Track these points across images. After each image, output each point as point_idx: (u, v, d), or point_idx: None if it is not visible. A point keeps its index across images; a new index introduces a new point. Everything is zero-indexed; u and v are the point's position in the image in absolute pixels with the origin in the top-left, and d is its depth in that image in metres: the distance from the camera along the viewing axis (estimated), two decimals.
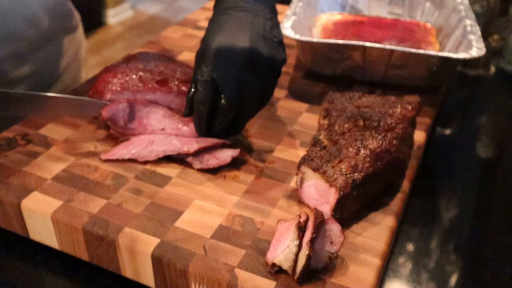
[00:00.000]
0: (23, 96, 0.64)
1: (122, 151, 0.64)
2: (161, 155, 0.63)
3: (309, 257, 0.47)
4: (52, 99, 0.65)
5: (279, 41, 0.64)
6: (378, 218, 0.57)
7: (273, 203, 0.58)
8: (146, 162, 0.64)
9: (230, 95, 0.59)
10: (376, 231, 0.55)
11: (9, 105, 0.63)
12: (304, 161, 0.57)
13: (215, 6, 0.68)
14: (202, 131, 0.64)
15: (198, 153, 0.63)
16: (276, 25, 0.65)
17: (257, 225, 0.55)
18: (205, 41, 0.63)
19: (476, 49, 0.77)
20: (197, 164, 0.62)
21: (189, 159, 0.63)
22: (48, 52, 0.86)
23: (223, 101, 0.60)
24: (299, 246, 0.48)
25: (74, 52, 0.94)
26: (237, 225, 0.55)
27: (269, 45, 0.62)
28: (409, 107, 0.64)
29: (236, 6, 0.64)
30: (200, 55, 0.63)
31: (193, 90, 0.62)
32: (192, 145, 0.63)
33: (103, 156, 0.64)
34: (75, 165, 0.63)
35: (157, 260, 0.52)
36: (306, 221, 0.49)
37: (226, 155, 0.63)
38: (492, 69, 1.06)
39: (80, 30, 0.97)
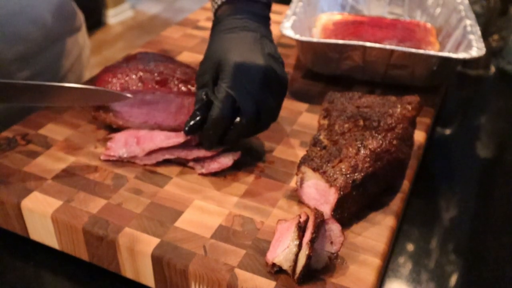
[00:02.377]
0: (32, 86, 0.62)
1: (122, 150, 0.64)
2: (160, 159, 0.63)
3: (309, 257, 0.47)
4: (62, 89, 0.63)
5: (282, 62, 0.64)
6: (378, 218, 0.57)
7: (273, 203, 0.58)
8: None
9: (250, 114, 0.59)
10: (376, 231, 0.55)
11: (16, 95, 0.61)
12: (304, 161, 0.57)
13: (215, 25, 0.67)
14: (213, 147, 0.63)
15: (198, 158, 0.63)
16: (276, 48, 0.66)
17: (257, 225, 0.55)
18: (214, 57, 0.61)
19: (476, 49, 0.77)
20: (199, 169, 0.62)
21: (191, 164, 0.63)
22: (52, 53, 0.86)
23: (244, 120, 0.59)
24: (299, 246, 0.48)
25: (78, 53, 0.94)
26: (237, 225, 0.55)
27: (278, 64, 0.63)
28: (409, 107, 0.64)
29: (241, 26, 0.64)
30: (210, 71, 0.61)
31: (197, 107, 0.61)
32: (192, 151, 0.63)
33: (103, 156, 0.64)
34: (75, 165, 0.63)
35: (157, 260, 0.52)
36: (306, 221, 0.49)
37: (228, 158, 0.63)
38: (492, 69, 1.06)
39: (84, 31, 0.97)
